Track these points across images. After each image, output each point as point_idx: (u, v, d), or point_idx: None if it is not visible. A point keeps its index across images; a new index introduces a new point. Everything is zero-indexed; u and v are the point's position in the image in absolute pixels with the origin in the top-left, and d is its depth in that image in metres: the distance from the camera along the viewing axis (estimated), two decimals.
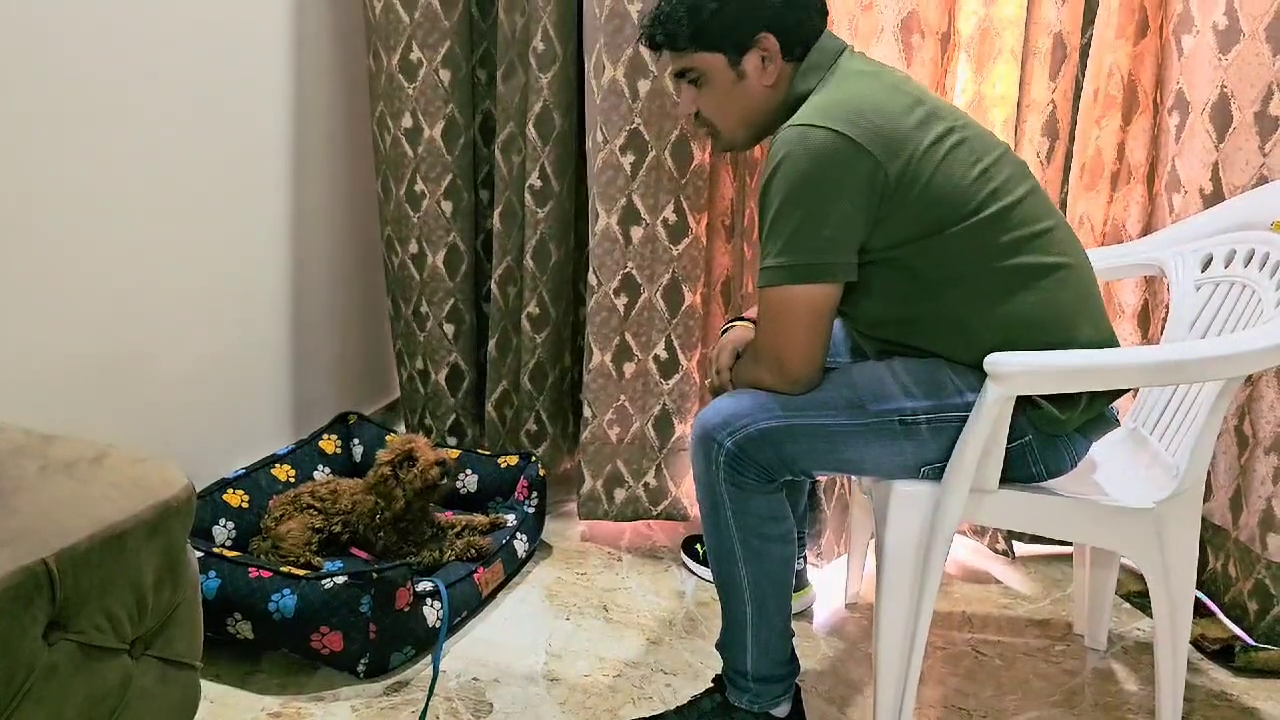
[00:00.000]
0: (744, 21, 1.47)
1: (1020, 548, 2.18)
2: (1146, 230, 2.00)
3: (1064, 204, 2.02)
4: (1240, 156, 1.77)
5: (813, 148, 1.36)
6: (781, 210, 1.37)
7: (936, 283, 1.42)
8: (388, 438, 2.22)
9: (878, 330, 1.51)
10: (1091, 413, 1.44)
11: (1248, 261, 1.60)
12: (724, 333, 1.67)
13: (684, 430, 2.17)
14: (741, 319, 1.66)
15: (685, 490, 2.21)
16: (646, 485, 2.19)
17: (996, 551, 2.15)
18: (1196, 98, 1.84)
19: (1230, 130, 1.79)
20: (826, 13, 1.53)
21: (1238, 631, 1.85)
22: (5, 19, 1.53)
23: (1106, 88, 1.97)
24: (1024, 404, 1.40)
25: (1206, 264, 1.68)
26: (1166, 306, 1.89)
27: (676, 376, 2.14)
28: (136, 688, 1.15)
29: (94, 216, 1.73)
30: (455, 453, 2.22)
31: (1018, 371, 1.35)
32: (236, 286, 2.11)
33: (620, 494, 2.19)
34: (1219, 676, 1.78)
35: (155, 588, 1.16)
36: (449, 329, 2.37)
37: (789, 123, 1.41)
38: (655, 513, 2.21)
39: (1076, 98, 1.98)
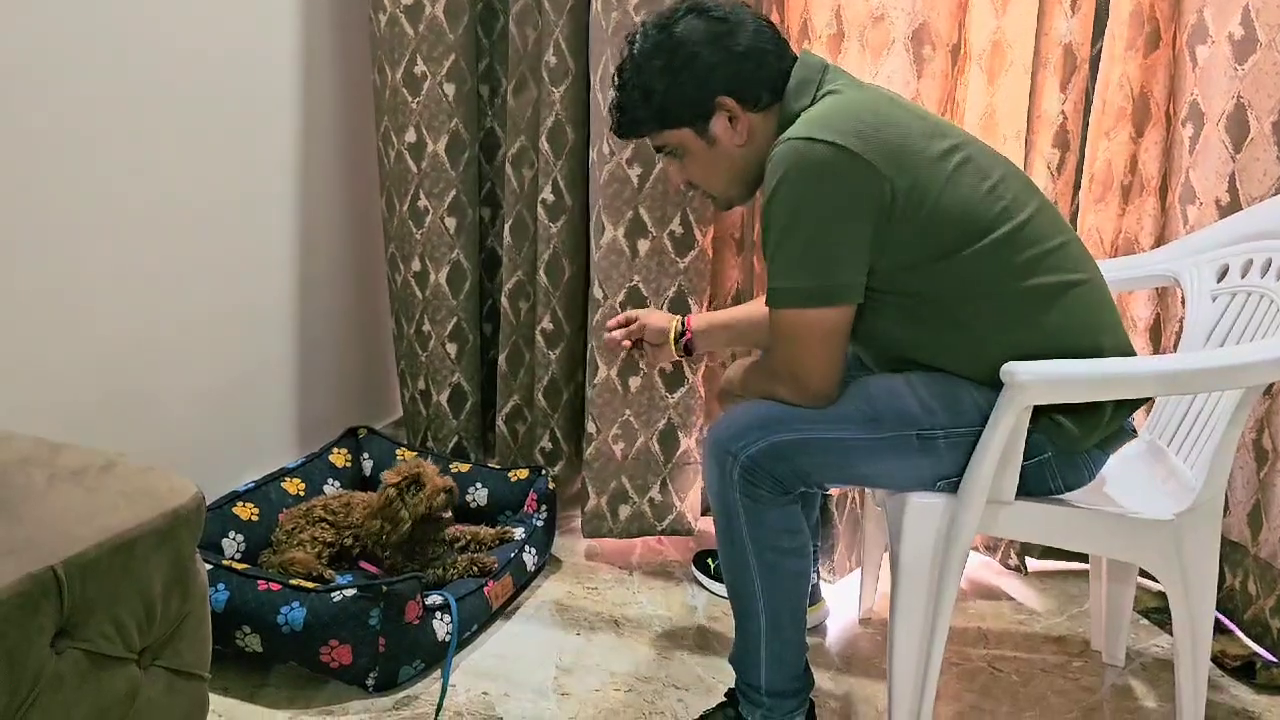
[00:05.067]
0: (696, 93, 1.44)
1: (1035, 564, 2.15)
2: (1159, 243, 1.98)
3: (1074, 217, 2.01)
4: (1258, 167, 1.76)
5: (813, 163, 1.31)
6: (787, 230, 1.34)
7: (954, 306, 1.39)
8: (397, 452, 2.23)
9: (895, 353, 1.47)
10: (1112, 428, 1.42)
11: (1265, 271, 1.58)
12: None
13: (689, 445, 2.15)
14: None
15: (689, 505, 2.19)
16: (651, 501, 2.17)
17: (1009, 567, 2.13)
18: (1212, 109, 1.82)
19: (1247, 141, 1.77)
20: (786, 46, 1.48)
21: (1259, 650, 1.82)
22: (10, 46, 1.54)
23: (1117, 100, 1.96)
24: (1044, 421, 1.38)
25: (1222, 274, 1.66)
26: (1179, 320, 1.87)
27: (682, 389, 2.12)
28: (144, 698, 1.14)
29: (102, 234, 1.74)
30: (466, 466, 2.21)
31: (1035, 380, 1.33)
32: (243, 302, 2.11)
33: (625, 510, 2.17)
34: (1240, 694, 1.76)
35: (164, 597, 1.15)
36: (451, 348, 2.35)
37: (785, 135, 1.36)
38: (660, 528, 2.18)
39: (1087, 110, 1.97)
